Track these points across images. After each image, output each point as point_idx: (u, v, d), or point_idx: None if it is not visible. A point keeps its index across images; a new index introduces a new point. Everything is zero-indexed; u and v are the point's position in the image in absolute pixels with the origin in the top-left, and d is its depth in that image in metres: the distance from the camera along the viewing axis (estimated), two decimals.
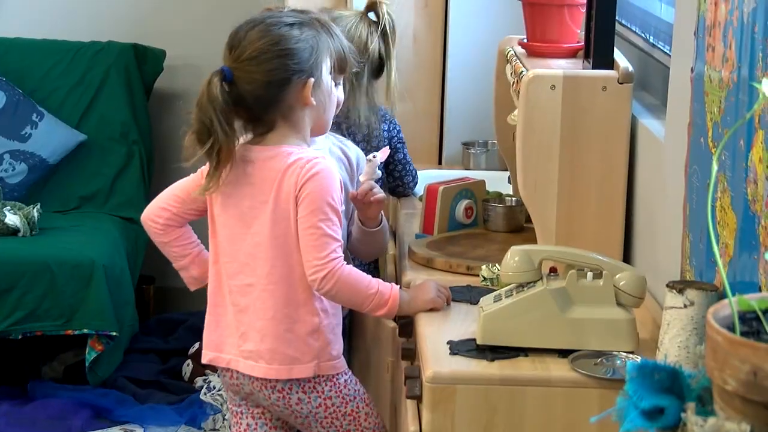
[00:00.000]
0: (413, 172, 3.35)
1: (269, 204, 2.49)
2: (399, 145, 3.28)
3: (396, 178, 3.32)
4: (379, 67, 3.16)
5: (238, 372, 2.56)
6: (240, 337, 2.54)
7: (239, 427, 2.64)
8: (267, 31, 2.49)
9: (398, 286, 2.54)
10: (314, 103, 2.52)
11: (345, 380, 2.57)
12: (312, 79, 2.51)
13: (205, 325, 2.62)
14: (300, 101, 2.51)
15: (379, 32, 3.13)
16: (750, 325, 1.26)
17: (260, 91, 2.48)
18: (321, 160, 2.49)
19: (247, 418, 2.62)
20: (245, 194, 2.52)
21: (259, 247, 2.50)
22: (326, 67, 2.53)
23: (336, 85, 2.58)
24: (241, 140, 2.55)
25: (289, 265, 2.49)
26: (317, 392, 2.53)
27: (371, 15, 3.16)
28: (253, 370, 2.52)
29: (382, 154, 2.70)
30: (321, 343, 2.52)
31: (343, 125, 3.10)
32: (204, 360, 2.62)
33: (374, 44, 3.12)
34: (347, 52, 2.57)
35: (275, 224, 2.48)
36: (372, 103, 3.15)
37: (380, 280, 2.49)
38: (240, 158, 2.52)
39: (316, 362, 2.52)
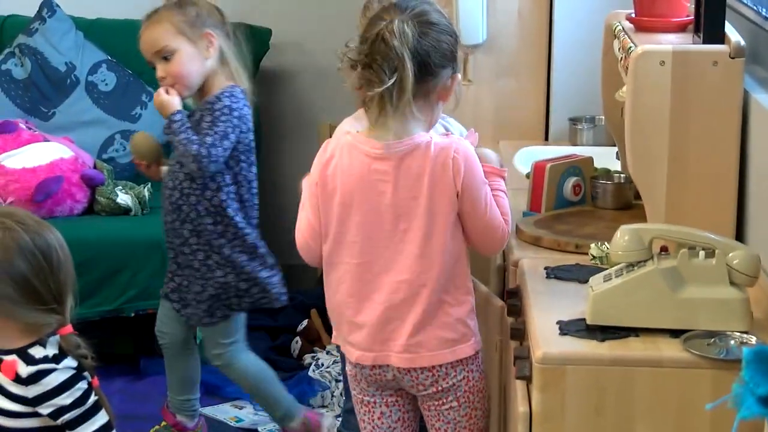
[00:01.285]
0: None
1: (421, 199, 2.47)
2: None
3: None
4: None
5: (388, 365, 2.55)
6: (392, 333, 2.52)
7: (371, 416, 2.64)
8: (437, 10, 2.50)
9: None
10: (447, 101, 2.52)
11: (481, 356, 2.59)
12: (459, 75, 2.52)
13: (339, 324, 2.61)
14: (440, 93, 2.50)
15: None
16: None
17: (432, 57, 2.46)
18: (460, 142, 2.50)
19: (380, 407, 2.62)
20: (382, 192, 2.49)
21: (411, 243, 2.48)
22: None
23: None
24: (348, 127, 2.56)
25: (449, 254, 2.49)
26: (465, 368, 2.55)
27: None
28: (413, 362, 2.52)
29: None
30: (474, 321, 2.55)
31: None
32: (350, 357, 2.59)
33: None
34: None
35: (430, 218, 2.47)
36: None
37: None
38: (357, 151, 2.50)
39: (474, 339, 2.55)
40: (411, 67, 2.42)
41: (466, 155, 2.47)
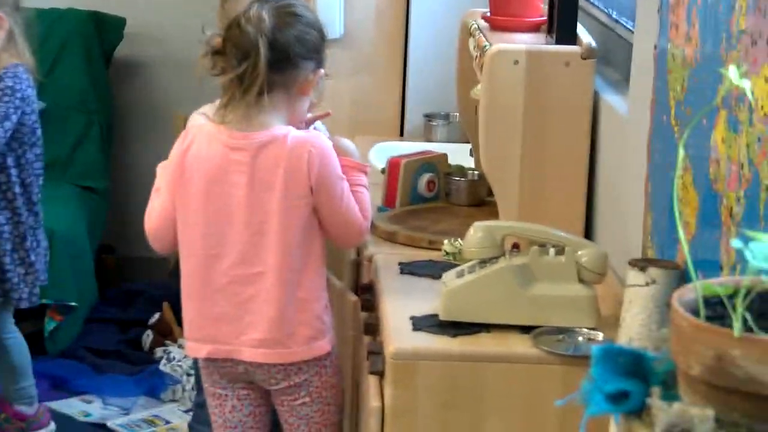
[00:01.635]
0: None
1: (276, 192, 2.45)
2: None
3: None
4: None
5: (240, 360, 2.53)
6: (246, 327, 2.49)
7: (222, 409, 2.61)
8: (303, 5, 2.51)
9: None
10: (309, 95, 2.51)
11: (335, 351, 2.59)
12: (322, 71, 2.51)
13: (189, 319, 2.57)
14: (301, 87, 2.49)
15: None
16: (714, 309, 1.27)
17: (292, 47, 2.45)
18: (319, 137, 2.50)
19: (232, 400, 2.60)
20: (236, 183, 2.46)
21: (266, 236, 2.46)
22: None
23: None
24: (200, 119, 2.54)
25: (303, 247, 2.47)
26: (318, 363, 2.54)
27: None
28: (267, 358, 2.50)
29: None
30: (330, 316, 2.54)
31: None
32: (198, 354, 2.56)
33: None
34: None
35: (285, 211, 2.45)
36: None
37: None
38: (215, 140, 2.48)
39: (329, 336, 2.54)
40: (265, 54, 2.40)
41: (323, 151, 2.47)
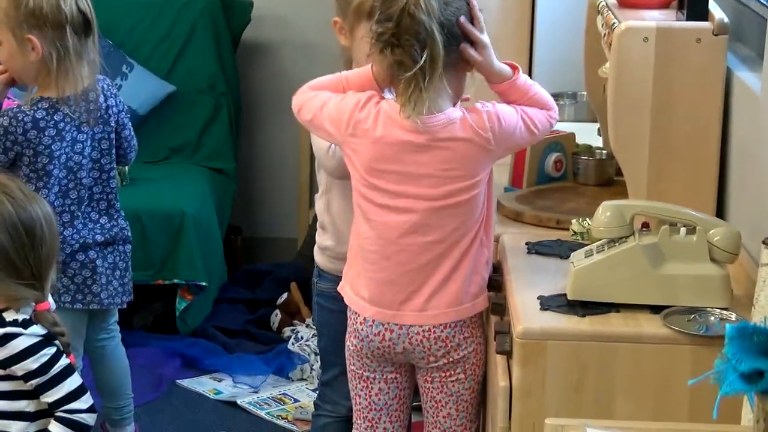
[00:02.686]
0: (135, 146, 3.28)
1: (461, 170, 2.44)
2: (126, 120, 3.24)
3: (120, 155, 3.24)
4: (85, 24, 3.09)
5: (399, 329, 2.52)
6: (416, 292, 2.49)
7: (369, 391, 2.61)
8: None
9: None
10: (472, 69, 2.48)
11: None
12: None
13: (355, 286, 2.56)
14: (465, 63, 2.45)
15: None
16: None
17: (455, 26, 2.39)
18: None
19: (379, 383, 2.60)
20: (417, 161, 2.44)
21: (438, 203, 2.45)
22: None
23: None
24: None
25: (482, 211, 2.49)
26: (475, 340, 2.54)
27: None
28: (438, 319, 2.49)
29: None
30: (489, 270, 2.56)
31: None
32: (370, 315, 2.53)
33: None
34: None
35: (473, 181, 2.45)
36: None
37: None
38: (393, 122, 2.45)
39: (485, 293, 2.55)
40: (441, 40, 2.36)
41: (494, 107, 2.45)
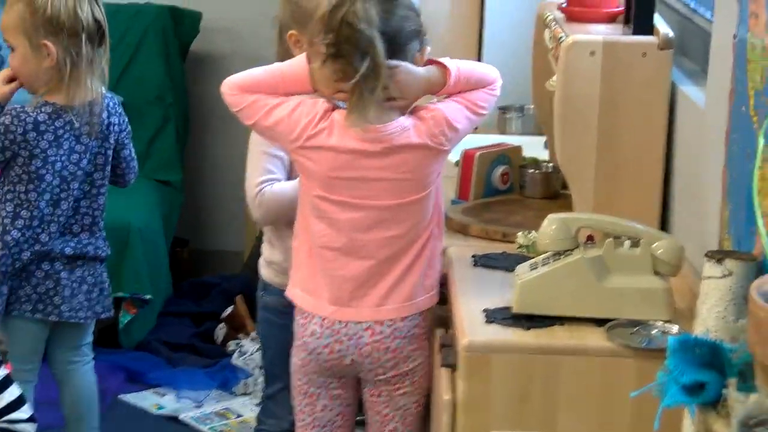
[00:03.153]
0: (135, 168, 3.26)
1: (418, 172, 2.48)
2: (127, 140, 3.22)
3: (119, 175, 3.22)
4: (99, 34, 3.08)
5: (349, 340, 2.51)
6: (374, 288, 2.49)
7: (313, 408, 2.60)
8: None
9: None
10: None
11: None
12: (428, 48, 2.49)
13: (308, 286, 2.55)
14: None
15: None
16: None
17: (400, 33, 2.42)
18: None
19: (324, 399, 2.59)
20: (370, 166, 2.46)
21: (397, 201, 2.47)
22: None
23: None
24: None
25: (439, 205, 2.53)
26: (423, 353, 2.54)
27: None
28: (397, 312, 2.50)
29: None
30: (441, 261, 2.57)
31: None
32: (327, 313, 2.52)
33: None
34: None
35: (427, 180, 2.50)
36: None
37: None
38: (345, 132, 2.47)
39: (438, 285, 2.56)
40: (381, 48, 2.37)
41: (440, 110, 2.47)
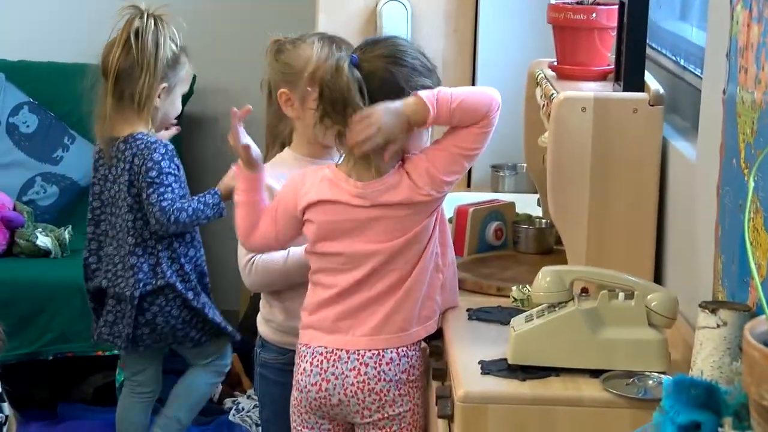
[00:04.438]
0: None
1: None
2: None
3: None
4: None
5: (335, 378, 2.53)
6: (371, 317, 2.54)
7: None
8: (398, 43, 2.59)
9: None
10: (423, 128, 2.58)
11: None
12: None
13: (314, 320, 2.59)
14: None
15: None
16: None
17: (385, 87, 2.49)
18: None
19: None
20: (364, 217, 2.53)
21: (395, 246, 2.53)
22: None
23: None
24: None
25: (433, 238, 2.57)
26: (412, 399, 2.57)
27: None
28: (389, 342, 2.53)
29: None
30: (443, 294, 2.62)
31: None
32: (325, 343, 2.55)
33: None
34: None
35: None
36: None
37: None
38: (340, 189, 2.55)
39: (439, 315, 2.61)
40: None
41: (428, 161, 2.52)
